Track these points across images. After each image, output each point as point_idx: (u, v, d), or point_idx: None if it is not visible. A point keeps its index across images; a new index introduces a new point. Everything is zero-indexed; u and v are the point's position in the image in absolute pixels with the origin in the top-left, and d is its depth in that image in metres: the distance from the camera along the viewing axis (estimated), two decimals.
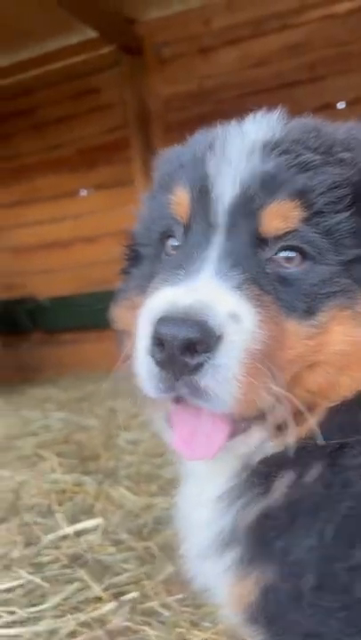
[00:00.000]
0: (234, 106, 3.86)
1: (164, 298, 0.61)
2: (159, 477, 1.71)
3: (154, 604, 1.00)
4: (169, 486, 1.62)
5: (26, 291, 4.83)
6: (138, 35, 4.15)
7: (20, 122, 4.72)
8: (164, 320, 0.59)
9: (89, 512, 1.47)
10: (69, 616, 0.99)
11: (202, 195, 0.66)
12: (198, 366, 0.58)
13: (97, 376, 4.31)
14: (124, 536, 1.28)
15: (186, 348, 0.58)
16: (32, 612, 1.02)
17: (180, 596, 1.01)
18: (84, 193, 4.69)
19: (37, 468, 1.92)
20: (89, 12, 3.73)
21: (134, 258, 0.80)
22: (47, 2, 3.61)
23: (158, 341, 0.59)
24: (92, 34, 4.10)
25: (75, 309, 4.63)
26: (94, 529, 1.32)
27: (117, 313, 0.80)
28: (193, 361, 0.58)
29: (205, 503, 0.71)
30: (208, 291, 0.61)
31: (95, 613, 0.98)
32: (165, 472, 1.76)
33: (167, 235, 0.71)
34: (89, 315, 4.55)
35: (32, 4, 3.74)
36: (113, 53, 4.24)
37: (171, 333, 0.58)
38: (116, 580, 1.09)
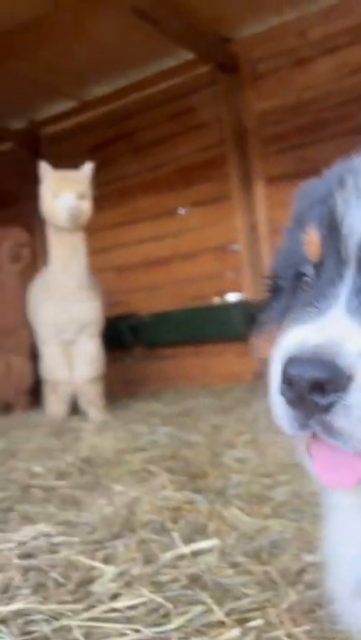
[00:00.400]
0: (334, 115, 3.79)
1: (294, 337, 0.61)
2: (271, 499, 1.68)
3: (280, 633, 0.98)
4: (282, 509, 1.60)
5: (128, 307, 5.00)
6: (234, 53, 4.21)
7: (121, 146, 4.95)
8: (292, 360, 0.59)
9: (202, 532, 1.48)
10: (194, 639, 1.00)
11: (332, 231, 0.66)
12: (329, 406, 0.58)
13: (195, 390, 4.37)
14: (240, 559, 1.27)
15: (314, 387, 0.57)
16: (157, 632, 1.04)
17: (307, 627, 0.99)
18: (182, 211, 4.79)
19: (148, 484, 1.96)
20: (187, 36, 3.85)
21: (275, 290, 0.81)
22: (145, 29, 3.78)
23: (288, 381, 0.59)
24: (188, 56, 4.22)
25: (173, 324, 4.73)
26: (210, 550, 1.33)
27: (257, 344, 0.81)
28: (323, 401, 0.57)
29: (355, 539, 0.69)
30: (338, 328, 0.60)
31: (220, 639, 0.99)
32: (277, 494, 1.74)
33: (301, 272, 0.72)
34: (187, 329, 4.65)
35: (130, 34, 3.93)
36: (209, 73, 4.33)
37: (298, 374, 0.58)
38: (237, 604, 1.08)
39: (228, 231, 4.46)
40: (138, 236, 5.00)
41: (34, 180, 4.92)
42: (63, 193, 3.16)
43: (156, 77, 4.57)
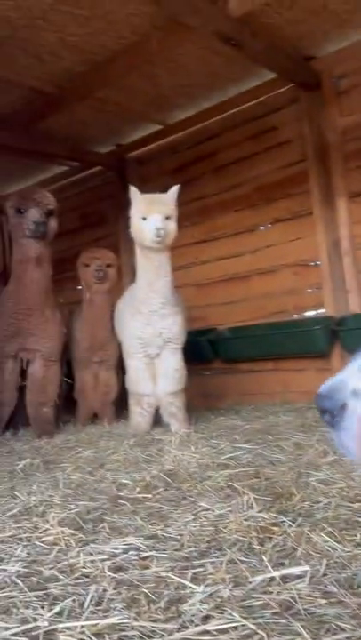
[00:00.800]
0: None
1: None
2: None
3: None
4: None
5: (207, 322, 5.07)
6: (316, 70, 4.19)
7: (202, 166, 5.06)
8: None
9: (291, 556, 1.49)
10: None
11: None
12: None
13: (275, 407, 4.34)
14: (333, 588, 1.26)
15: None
16: None
17: None
18: (262, 228, 4.81)
19: (233, 503, 1.99)
20: (269, 56, 3.89)
21: None
22: (227, 52, 3.86)
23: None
24: (270, 75, 4.26)
25: (253, 339, 4.74)
26: (301, 576, 1.33)
27: None
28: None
29: None
30: (347, 373, 0.89)
31: None
32: None
33: None
34: (266, 345, 4.64)
35: (213, 58, 4.03)
36: (291, 91, 4.34)
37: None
38: (334, 639, 1.08)
39: (309, 247, 4.43)
40: (217, 252, 5.07)
41: (120, 202, 5.15)
42: (151, 215, 3.29)
43: (238, 98, 4.64)
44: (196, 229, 5.10)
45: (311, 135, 4.30)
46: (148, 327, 3.56)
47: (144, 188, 3.52)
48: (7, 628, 1.21)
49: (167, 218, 3.36)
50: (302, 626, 1.11)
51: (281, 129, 4.59)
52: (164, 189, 3.47)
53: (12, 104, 4.47)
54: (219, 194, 5.01)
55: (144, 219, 3.33)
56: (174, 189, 3.44)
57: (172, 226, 3.40)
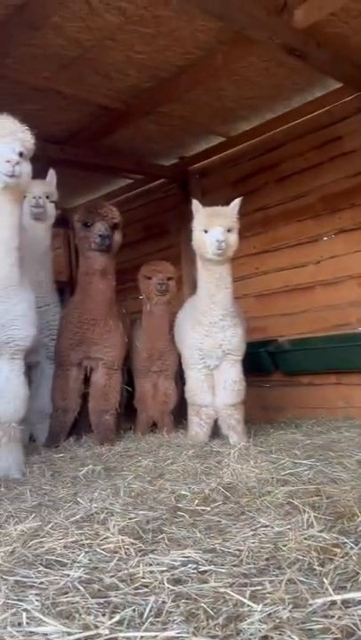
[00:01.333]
0: None
1: None
2: None
3: None
4: None
5: (267, 333, 5.03)
6: None
7: (264, 177, 5.05)
8: None
9: (353, 579, 1.45)
10: None
11: None
12: None
13: (336, 422, 4.23)
14: None
15: None
16: None
17: None
18: (325, 238, 4.73)
19: (293, 520, 1.96)
20: (334, 66, 3.84)
21: None
22: (291, 63, 3.85)
23: None
24: (335, 85, 4.20)
25: (314, 352, 4.65)
26: None
27: None
28: None
29: None
30: None
31: None
32: None
33: None
34: (328, 357, 4.53)
35: (277, 69, 4.03)
36: (357, 100, 4.26)
37: None
38: None
39: None
40: (279, 263, 5.02)
41: (182, 214, 5.22)
42: (212, 228, 3.31)
43: (302, 108, 4.60)
44: (257, 240, 5.08)
45: None
46: (208, 338, 3.58)
47: (206, 200, 3.56)
48: (70, 633, 1.25)
49: (229, 230, 3.38)
50: None
51: (346, 138, 4.51)
52: (226, 201, 3.49)
53: (80, 121, 4.64)
54: (281, 204, 4.97)
55: (206, 231, 3.36)
56: (236, 202, 3.46)
57: (234, 238, 3.41)
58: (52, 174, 4.20)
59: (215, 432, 3.76)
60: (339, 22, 3.55)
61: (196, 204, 3.49)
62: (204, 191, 5.50)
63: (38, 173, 4.11)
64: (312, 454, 3.03)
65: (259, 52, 3.74)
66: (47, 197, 4.07)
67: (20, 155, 2.80)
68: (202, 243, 3.39)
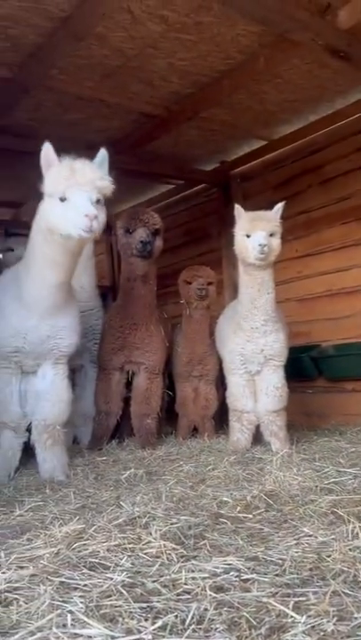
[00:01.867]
0: None
1: None
2: None
3: None
4: None
5: (310, 338, 4.95)
6: None
7: (307, 180, 4.98)
8: None
9: None
10: None
11: None
12: None
13: None
14: None
15: None
16: None
17: None
18: None
19: (338, 531, 1.92)
20: None
21: None
22: (335, 65, 3.79)
23: None
24: None
25: (357, 357, 4.55)
26: None
27: None
28: None
29: None
30: None
31: None
32: None
33: None
34: None
35: (320, 71, 3.97)
36: None
37: None
38: None
39: None
40: (322, 267, 4.93)
41: (223, 218, 5.21)
42: (254, 232, 3.30)
43: (346, 110, 4.52)
44: (299, 243, 5.01)
45: None
46: (250, 344, 3.55)
47: (247, 204, 3.55)
48: (113, 637, 1.27)
49: (271, 235, 3.35)
50: None
51: None
52: (268, 204, 3.47)
53: (123, 128, 4.71)
54: (325, 207, 4.89)
55: (248, 236, 3.35)
56: (279, 206, 3.43)
57: (276, 243, 3.38)
58: None
59: (257, 438, 3.73)
60: None
61: (238, 208, 3.48)
62: (246, 195, 5.48)
63: None
64: (357, 462, 2.96)
65: (301, 54, 3.70)
66: None
67: (97, 202, 2.59)
68: (244, 247, 3.37)
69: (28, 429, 3.19)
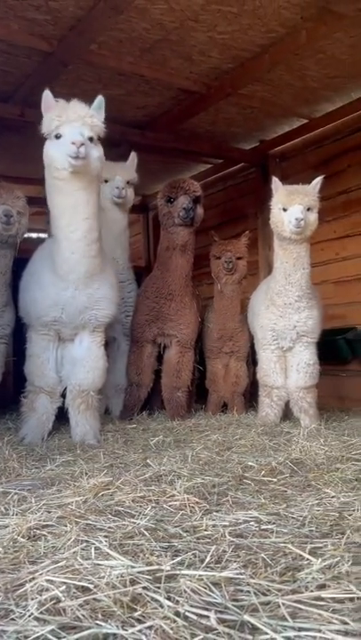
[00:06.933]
0: None
1: None
2: None
3: None
4: None
5: (346, 321, 4.88)
6: None
7: (347, 159, 4.89)
8: None
9: None
10: None
11: None
12: None
13: None
14: None
15: None
16: None
17: None
18: None
19: (360, 493, 1.93)
20: None
21: None
22: None
23: None
24: None
25: None
26: None
27: None
28: None
29: None
30: None
31: None
32: None
33: None
34: None
35: None
36: None
37: None
38: None
39: None
40: (360, 249, 4.85)
41: (261, 198, 5.17)
42: (291, 205, 3.28)
43: None
44: (338, 224, 4.94)
45: None
46: (282, 319, 3.55)
47: (286, 184, 3.51)
48: (133, 567, 1.33)
49: (308, 209, 3.33)
50: None
51: None
52: (307, 183, 3.43)
53: (161, 105, 4.72)
54: None
55: (285, 209, 3.33)
56: (317, 180, 3.40)
57: (313, 217, 3.36)
58: (133, 157, 4.31)
59: (287, 415, 3.74)
60: None
61: (276, 181, 3.46)
62: (284, 175, 5.40)
63: (119, 158, 4.27)
64: None
65: (345, 27, 3.61)
66: (128, 182, 4.20)
67: (90, 140, 2.83)
68: (280, 221, 3.36)
69: (63, 395, 3.28)
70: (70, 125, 2.80)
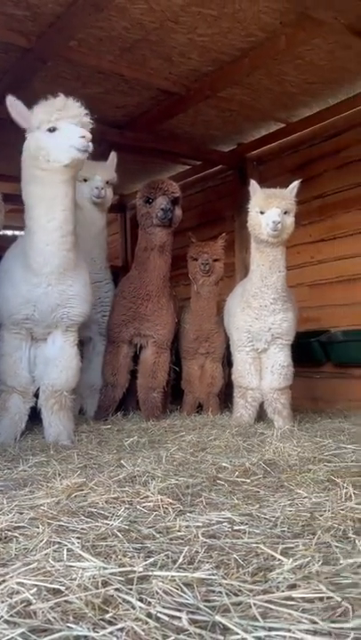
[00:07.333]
0: None
1: None
2: None
3: None
4: None
5: (320, 324, 4.95)
6: None
7: (324, 164, 4.96)
8: None
9: None
10: None
11: None
12: None
13: None
14: None
15: None
16: (334, 628, 1.06)
17: None
18: None
19: (332, 494, 1.96)
20: None
21: None
22: (357, 47, 3.76)
23: None
24: None
25: None
26: None
27: None
28: None
29: None
30: None
31: None
32: None
33: None
34: None
35: (342, 53, 3.94)
36: None
37: None
38: None
39: None
40: (336, 252, 4.92)
41: (238, 201, 5.20)
42: (269, 209, 3.31)
43: None
44: (313, 228, 5.00)
45: None
46: (258, 321, 3.58)
47: (263, 187, 3.54)
48: (105, 569, 1.32)
49: (285, 212, 3.36)
50: None
51: None
52: (284, 188, 3.47)
53: (140, 105, 4.71)
54: (341, 192, 4.86)
55: (262, 212, 3.36)
56: (294, 184, 3.43)
57: (290, 221, 3.39)
58: (113, 157, 4.30)
59: (261, 416, 3.77)
60: None
61: (253, 184, 3.49)
62: (262, 178, 5.43)
63: (98, 157, 4.24)
64: (357, 441, 2.98)
65: (324, 33, 3.66)
66: (107, 182, 4.18)
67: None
68: (257, 224, 3.39)
69: (37, 395, 3.25)
70: (72, 121, 2.85)
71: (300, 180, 3.46)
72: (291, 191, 3.43)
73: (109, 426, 3.58)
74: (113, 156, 4.29)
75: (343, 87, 4.52)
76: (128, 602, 1.14)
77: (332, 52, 3.97)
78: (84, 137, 2.79)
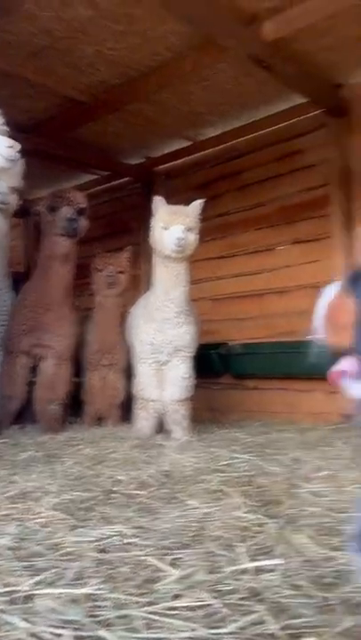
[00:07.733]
0: None
1: None
2: (342, 533, 1.68)
3: None
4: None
5: (220, 337, 5.13)
6: (344, 97, 4.29)
7: (227, 184, 5.17)
8: None
9: (269, 553, 1.52)
10: None
11: None
12: None
13: (280, 425, 4.35)
14: (302, 582, 1.30)
15: None
16: (212, 634, 1.11)
17: None
18: (281, 248, 4.88)
19: (222, 504, 2.03)
20: (300, 81, 4.00)
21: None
22: (260, 75, 3.99)
23: None
24: (300, 100, 4.36)
25: (262, 357, 4.78)
26: (274, 569, 1.37)
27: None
28: None
29: None
30: None
31: None
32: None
33: None
34: (275, 363, 4.66)
35: (245, 79, 4.16)
36: (319, 117, 4.43)
37: None
38: (292, 622, 1.12)
39: (325, 270, 4.47)
40: (235, 269, 5.14)
41: (144, 213, 5.26)
42: (172, 225, 3.38)
43: (268, 120, 4.75)
44: (215, 245, 5.19)
45: (336, 160, 4.38)
46: (160, 334, 3.64)
47: (169, 202, 3.62)
48: None
49: (188, 229, 3.46)
50: (266, 609, 1.15)
51: (307, 153, 4.68)
52: (189, 204, 3.57)
53: (48, 111, 4.65)
54: (241, 212, 5.10)
55: (166, 228, 3.43)
56: (197, 203, 3.55)
57: (193, 237, 3.49)
58: (20, 163, 4.16)
59: (161, 428, 3.81)
60: (305, 39, 3.70)
61: (157, 200, 3.55)
62: (169, 193, 5.54)
63: None
64: (251, 450, 3.11)
65: (228, 59, 3.85)
66: (12, 188, 4.04)
67: None
68: (161, 240, 3.45)
69: None
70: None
71: (203, 200, 3.58)
72: (194, 209, 3.54)
73: (5, 440, 3.45)
74: (21, 162, 4.16)
75: (247, 111, 4.76)
76: (10, 623, 1.12)
77: (236, 77, 4.17)
78: (11, 147, 2.76)
